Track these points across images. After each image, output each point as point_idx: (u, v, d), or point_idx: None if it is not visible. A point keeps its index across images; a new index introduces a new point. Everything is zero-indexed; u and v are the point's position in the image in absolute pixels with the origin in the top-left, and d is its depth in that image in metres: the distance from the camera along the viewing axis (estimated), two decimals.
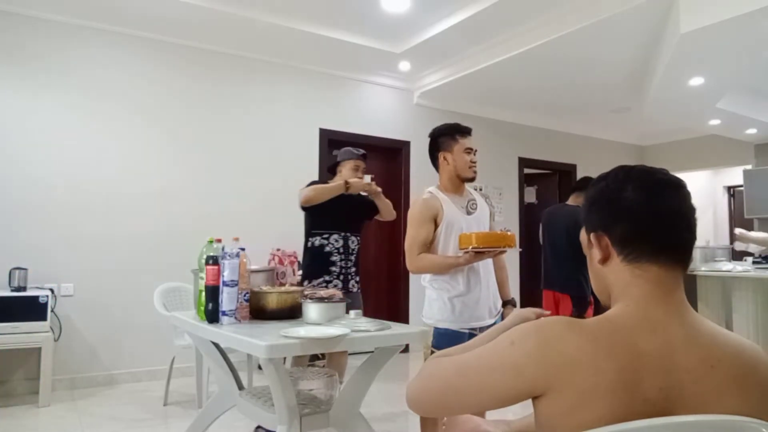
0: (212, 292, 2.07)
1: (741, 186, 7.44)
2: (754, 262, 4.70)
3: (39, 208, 4.00)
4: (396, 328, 1.98)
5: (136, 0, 3.95)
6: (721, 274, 4.37)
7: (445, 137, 2.40)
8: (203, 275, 2.09)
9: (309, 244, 3.28)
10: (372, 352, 2.05)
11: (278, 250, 4.76)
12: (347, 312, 2.13)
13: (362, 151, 3.43)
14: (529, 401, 0.92)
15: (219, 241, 2.16)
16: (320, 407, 2.05)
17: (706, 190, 8.92)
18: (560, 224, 3.93)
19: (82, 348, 4.09)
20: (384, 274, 5.72)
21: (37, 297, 3.63)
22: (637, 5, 3.69)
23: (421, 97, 5.81)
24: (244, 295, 2.12)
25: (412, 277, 5.61)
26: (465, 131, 2.40)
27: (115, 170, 4.29)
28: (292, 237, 4.99)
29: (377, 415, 3.44)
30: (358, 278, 3.39)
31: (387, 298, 5.69)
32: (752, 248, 4.53)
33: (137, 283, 4.28)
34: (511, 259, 6.26)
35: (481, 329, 2.33)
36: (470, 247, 2.14)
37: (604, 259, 0.99)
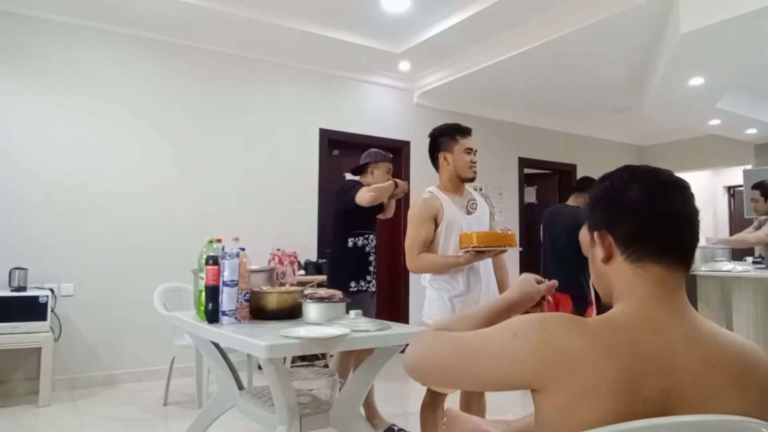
0: (212, 292, 2.07)
1: (741, 186, 7.44)
2: (753, 262, 4.70)
3: (39, 208, 4.00)
4: (396, 328, 1.98)
5: (136, 0, 3.95)
6: (721, 274, 4.37)
7: (445, 137, 2.40)
8: (203, 275, 2.09)
9: (350, 244, 3.23)
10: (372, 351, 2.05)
11: (278, 250, 4.76)
12: (347, 312, 2.13)
13: (390, 155, 3.43)
14: (530, 400, 0.92)
15: (219, 241, 2.16)
16: (320, 407, 2.05)
17: (706, 190, 8.92)
18: (560, 224, 3.93)
19: (82, 348, 4.09)
20: (384, 274, 5.72)
21: (37, 297, 3.63)
22: (637, 5, 3.69)
23: (421, 97, 5.81)
24: (244, 295, 2.12)
25: (412, 276, 5.61)
26: (465, 131, 2.40)
27: (115, 170, 4.29)
28: (292, 237, 5.00)
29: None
30: None
31: (387, 298, 5.69)
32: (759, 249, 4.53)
33: (137, 283, 4.28)
34: (511, 259, 6.26)
35: None
36: (471, 246, 2.14)
37: (607, 258, 0.99)
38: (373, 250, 3.31)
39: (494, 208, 2.58)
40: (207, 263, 2.08)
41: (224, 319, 2.03)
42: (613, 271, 0.99)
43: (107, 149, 4.27)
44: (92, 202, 4.19)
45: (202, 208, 4.62)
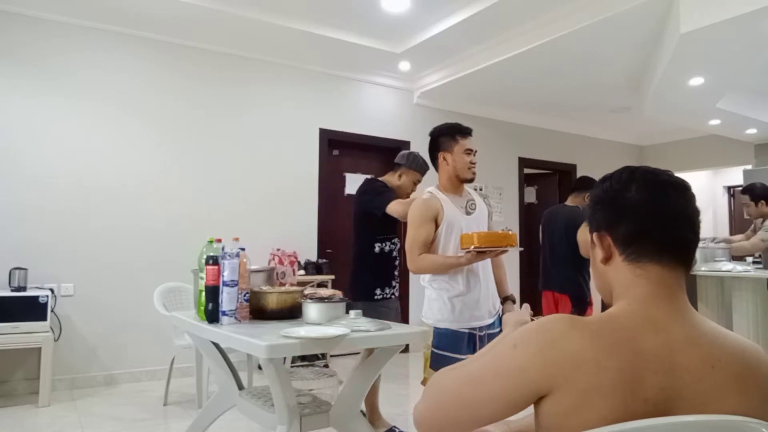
0: (212, 292, 2.07)
1: (741, 186, 7.43)
2: (753, 262, 4.70)
3: (39, 208, 4.00)
4: (396, 328, 1.98)
5: (137, 0, 3.95)
6: (721, 274, 4.37)
7: (445, 137, 2.39)
8: (203, 275, 2.09)
9: (377, 249, 3.15)
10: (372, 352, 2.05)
11: (278, 250, 4.76)
12: (347, 312, 2.13)
13: (428, 168, 3.28)
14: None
15: (219, 241, 2.16)
16: (320, 407, 2.05)
17: (706, 190, 8.92)
18: (559, 225, 3.93)
19: (82, 348, 4.09)
20: None
21: (37, 297, 3.63)
22: (637, 5, 3.69)
23: (421, 97, 5.81)
24: (244, 295, 2.12)
25: (412, 277, 5.61)
26: (465, 132, 2.39)
27: (115, 170, 4.29)
28: (292, 237, 5.00)
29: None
30: None
31: None
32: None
33: (137, 283, 4.28)
34: (511, 259, 6.26)
35: (481, 329, 2.33)
36: (472, 246, 2.13)
37: (607, 259, 0.99)
38: (399, 254, 3.23)
39: (492, 208, 2.58)
40: (207, 263, 2.08)
41: (224, 319, 2.03)
42: (612, 271, 0.99)
43: (107, 149, 4.27)
44: (92, 202, 4.19)
45: (202, 208, 4.62)
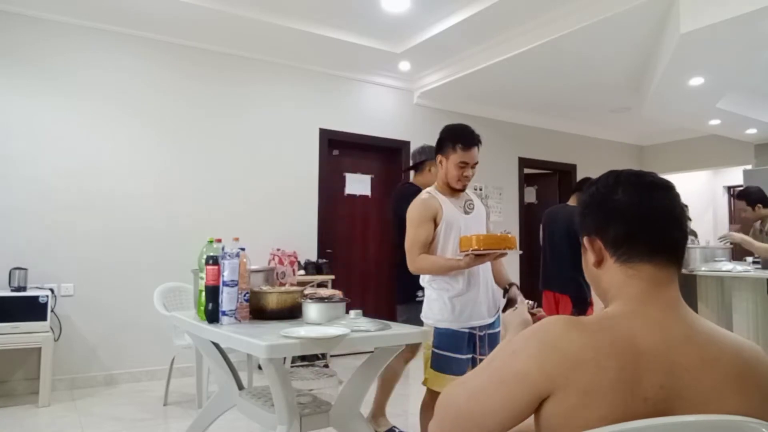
0: (212, 292, 2.07)
1: (741, 186, 7.43)
2: (753, 262, 4.69)
3: (39, 208, 4.00)
4: (396, 328, 1.98)
5: (137, 0, 3.95)
6: (721, 274, 4.36)
7: (448, 142, 2.35)
8: (203, 275, 2.09)
9: None
10: (372, 352, 2.05)
11: (278, 250, 4.76)
12: (347, 312, 2.13)
13: None
14: None
15: (219, 241, 2.16)
16: (320, 407, 2.05)
17: (706, 190, 8.92)
18: (560, 225, 3.93)
19: (82, 348, 4.09)
20: (384, 274, 5.72)
21: (37, 297, 3.63)
22: (637, 5, 3.69)
23: (421, 97, 5.81)
24: (244, 295, 2.12)
25: None
26: (467, 144, 2.30)
27: (115, 170, 4.29)
28: (292, 237, 5.00)
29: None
30: None
31: (387, 298, 5.69)
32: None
33: (137, 283, 4.28)
34: (511, 259, 6.26)
35: (481, 328, 2.33)
36: (471, 249, 2.13)
37: (599, 263, 1.01)
38: None
39: (490, 208, 2.58)
40: (207, 263, 2.08)
41: (224, 319, 2.03)
42: (605, 274, 1.00)
43: (107, 149, 4.27)
44: (92, 203, 4.19)
45: (202, 208, 4.62)
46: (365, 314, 2.16)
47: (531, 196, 7.35)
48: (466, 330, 2.30)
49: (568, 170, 7.24)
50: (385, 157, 5.80)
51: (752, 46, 3.84)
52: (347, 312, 2.12)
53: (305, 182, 5.15)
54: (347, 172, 5.57)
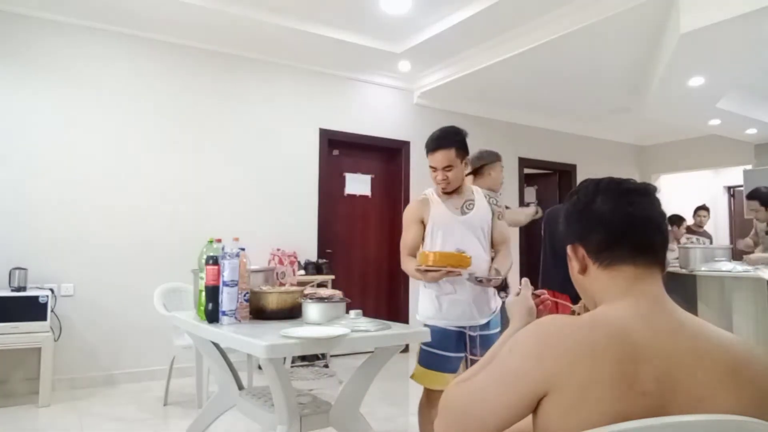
0: (212, 292, 2.07)
1: (741, 186, 7.43)
2: None
3: (39, 208, 4.00)
4: (396, 328, 1.99)
5: (137, 0, 3.95)
6: (721, 274, 4.37)
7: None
8: (203, 275, 2.09)
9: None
10: (372, 352, 2.05)
11: (278, 250, 4.76)
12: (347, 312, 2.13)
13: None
14: None
15: (219, 241, 2.16)
16: (320, 407, 2.06)
17: (706, 190, 8.92)
18: (561, 224, 3.93)
19: (82, 348, 4.09)
20: (384, 274, 5.73)
21: (37, 297, 3.63)
22: (637, 5, 3.69)
23: (421, 97, 5.81)
24: (244, 295, 2.12)
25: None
26: (429, 148, 2.34)
27: (116, 170, 4.29)
28: (292, 237, 5.00)
29: (377, 415, 3.43)
30: None
31: (387, 298, 5.70)
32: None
33: (137, 283, 4.28)
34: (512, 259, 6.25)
35: (473, 328, 2.33)
36: (424, 265, 2.15)
37: (583, 270, 1.04)
38: None
39: (501, 208, 2.52)
40: (207, 263, 2.08)
41: (224, 319, 2.03)
42: (590, 281, 1.03)
43: (107, 149, 4.27)
44: (92, 202, 4.19)
45: (202, 208, 4.62)
46: (365, 314, 2.16)
47: (531, 196, 7.35)
48: (455, 328, 2.32)
49: (568, 170, 7.24)
50: (385, 157, 5.80)
51: (752, 46, 3.84)
52: (347, 312, 2.12)
53: (305, 182, 5.15)
54: (347, 172, 5.58)
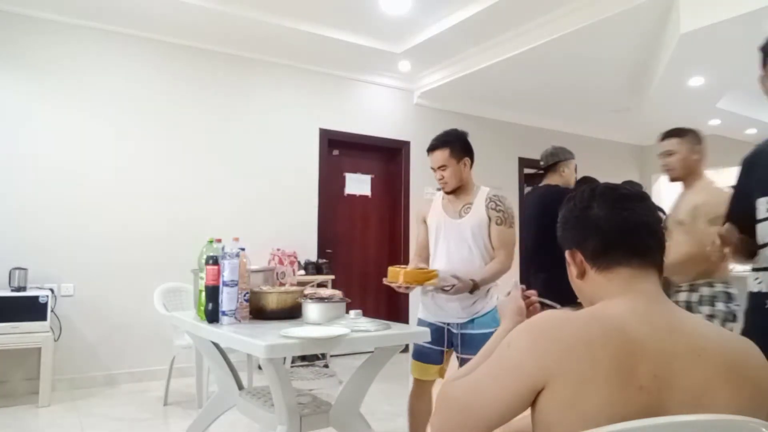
0: (212, 292, 2.07)
1: None
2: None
3: (39, 208, 4.00)
4: (396, 328, 1.99)
5: (137, 1, 3.95)
6: None
7: None
8: (203, 275, 2.09)
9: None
10: (372, 352, 2.05)
11: (278, 250, 4.76)
12: (347, 312, 2.13)
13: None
14: None
15: (219, 241, 2.16)
16: (320, 407, 2.06)
17: None
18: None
19: (82, 348, 4.09)
20: (384, 274, 5.71)
21: (37, 297, 3.63)
22: (637, 5, 3.69)
23: (421, 97, 5.81)
24: (244, 295, 2.12)
25: None
26: (428, 149, 2.46)
27: (116, 170, 4.29)
28: (292, 237, 5.00)
29: (377, 415, 3.43)
30: None
31: (387, 298, 5.69)
32: None
33: (137, 283, 4.27)
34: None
35: (453, 326, 2.40)
36: (390, 281, 2.33)
37: (581, 274, 1.06)
38: None
39: (501, 213, 2.39)
40: (207, 263, 2.08)
41: (224, 319, 2.03)
42: (588, 284, 1.05)
43: (107, 149, 4.27)
44: (92, 202, 4.19)
45: (202, 208, 4.62)
46: (365, 314, 2.16)
47: None
48: (439, 323, 2.41)
49: None
50: (385, 157, 5.80)
51: (752, 46, 3.83)
52: (347, 312, 2.12)
53: (305, 182, 5.15)
54: (347, 172, 5.57)
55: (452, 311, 2.38)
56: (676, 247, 2.37)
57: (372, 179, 5.72)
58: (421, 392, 2.45)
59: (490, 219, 2.38)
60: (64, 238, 4.07)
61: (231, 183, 4.76)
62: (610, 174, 7.15)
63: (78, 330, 4.09)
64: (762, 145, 1.63)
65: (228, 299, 2.03)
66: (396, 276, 2.30)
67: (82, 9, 4.06)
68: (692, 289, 2.40)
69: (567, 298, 1.29)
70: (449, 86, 5.48)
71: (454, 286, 2.23)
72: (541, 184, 3.45)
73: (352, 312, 2.09)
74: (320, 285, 4.65)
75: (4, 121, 3.93)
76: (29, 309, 3.59)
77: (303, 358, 4.54)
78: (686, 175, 2.69)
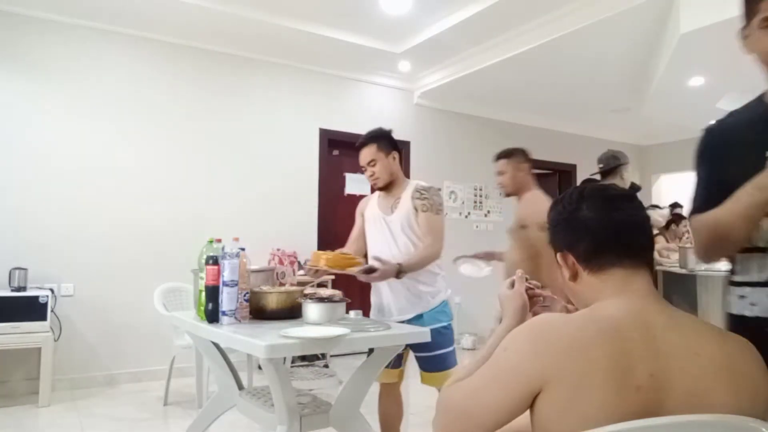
0: (212, 292, 2.07)
1: None
2: None
3: (39, 208, 4.00)
4: (395, 328, 1.99)
5: (138, 1, 3.95)
6: (721, 274, 4.36)
7: None
8: (203, 275, 2.09)
9: None
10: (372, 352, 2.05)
11: (278, 250, 4.76)
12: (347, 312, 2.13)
13: None
14: None
15: (219, 241, 2.16)
16: (320, 407, 2.06)
17: None
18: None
19: (82, 348, 4.09)
20: None
21: (37, 297, 3.63)
22: (637, 5, 3.69)
23: (421, 97, 5.81)
24: (244, 295, 2.12)
25: None
26: (356, 147, 2.55)
27: (116, 170, 4.29)
28: (292, 237, 5.00)
29: (377, 415, 3.43)
30: None
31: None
32: None
33: (137, 283, 4.27)
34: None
35: (395, 322, 2.33)
36: (315, 266, 2.29)
37: (574, 276, 1.05)
38: None
39: (426, 203, 2.37)
40: (207, 263, 2.08)
41: (224, 319, 2.03)
42: (581, 286, 1.05)
43: (107, 149, 4.27)
44: (92, 202, 4.19)
45: (202, 208, 4.62)
46: (365, 314, 2.16)
47: None
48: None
49: (568, 170, 7.24)
50: None
51: None
52: (347, 312, 2.12)
53: (305, 182, 5.15)
54: (347, 172, 5.57)
55: (392, 311, 2.37)
56: (510, 252, 2.73)
57: None
58: (387, 394, 2.49)
59: (416, 209, 2.37)
60: (63, 237, 4.07)
61: (231, 183, 4.76)
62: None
63: (78, 330, 4.09)
64: (715, 127, 1.42)
65: (228, 299, 2.03)
66: (318, 260, 2.29)
67: (83, 9, 4.06)
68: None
69: None
70: (449, 86, 5.48)
71: (366, 275, 2.19)
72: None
73: (352, 312, 2.09)
74: (320, 285, 4.65)
75: (4, 121, 3.93)
76: (29, 309, 3.59)
77: (303, 358, 4.54)
78: (516, 190, 2.93)
